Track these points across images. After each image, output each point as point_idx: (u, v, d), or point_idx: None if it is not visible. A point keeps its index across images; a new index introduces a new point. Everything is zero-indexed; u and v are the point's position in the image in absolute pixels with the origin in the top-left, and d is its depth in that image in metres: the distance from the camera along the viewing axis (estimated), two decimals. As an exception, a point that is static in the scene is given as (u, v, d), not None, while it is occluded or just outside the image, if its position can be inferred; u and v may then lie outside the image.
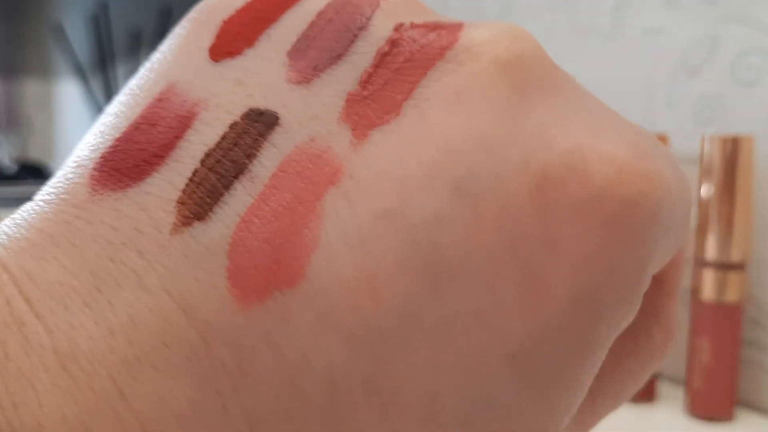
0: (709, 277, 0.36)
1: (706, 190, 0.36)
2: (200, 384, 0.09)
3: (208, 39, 0.12)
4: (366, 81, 0.11)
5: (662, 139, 0.38)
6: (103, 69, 1.11)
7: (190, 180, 0.10)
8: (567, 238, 0.10)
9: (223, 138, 0.10)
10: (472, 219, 0.10)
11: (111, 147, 0.11)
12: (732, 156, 0.35)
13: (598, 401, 0.13)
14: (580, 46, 0.49)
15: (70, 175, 0.11)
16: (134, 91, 0.11)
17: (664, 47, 0.43)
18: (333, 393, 0.09)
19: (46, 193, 0.11)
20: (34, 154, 2.06)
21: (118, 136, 0.11)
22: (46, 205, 0.10)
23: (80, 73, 1.13)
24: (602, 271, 0.10)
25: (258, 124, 0.10)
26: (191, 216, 0.10)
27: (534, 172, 0.10)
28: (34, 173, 0.56)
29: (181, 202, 0.10)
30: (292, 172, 0.10)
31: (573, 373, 0.10)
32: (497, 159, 0.10)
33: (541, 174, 0.10)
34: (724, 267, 0.35)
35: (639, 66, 0.45)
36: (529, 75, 0.11)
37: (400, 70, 0.11)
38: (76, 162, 0.11)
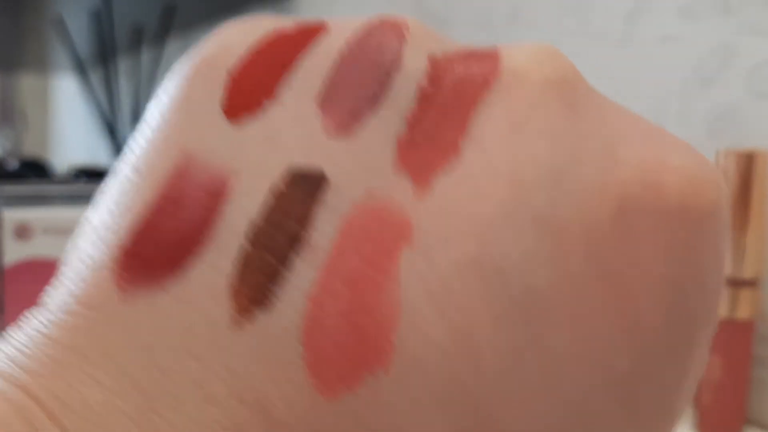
0: (721, 293, 0.35)
1: (719, 205, 0.36)
2: None
3: (216, 95, 0.10)
4: (414, 123, 0.10)
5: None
6: (104, 64, 1.10)
7: (240, 262, 0.09)
8: (652, 257, 0.09)
9: (267, 208, 0.09)
10: (560, 252, 0.09)
11: (133, 237, 0.09)
12: (746, 171, 0.35)
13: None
14: (590, 51, 0.49)
15: (87, 277, 0.09)
16: (139, 167, 0.10)
17: (677, 56, 0.43)
18: None
19: (60, 300, 0.09)
20: (29, 149, 2.05)
21: (138, 222, 0.09)
22: (65, 315, 0.09)
23: (80, 67, 1.12)
24: (690, 286, 0.09)
25: (304, 186, 0.09)
26: (250, 304, 0.08)
27: (613, 195, 0.09)
28: (36, 170, 0.56)
29: (234, 290, 0.09)
30: (355, 234, 0.09)
31: (674, 397, 0.10)
32: (571, 185, 0.09)
33: (621, 196, 0.09)
34: (737, 283, 0.35)
35: (651, 75, 0.45)
36: (578, 93, 0.10)
37: (449, 107, 0.10)
38: (89, 259, 0.09)
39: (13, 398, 0.08)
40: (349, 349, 0.08)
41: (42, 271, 0.39)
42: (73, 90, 1.64)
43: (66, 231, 0.40)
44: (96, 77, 1.19)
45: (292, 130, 0.10)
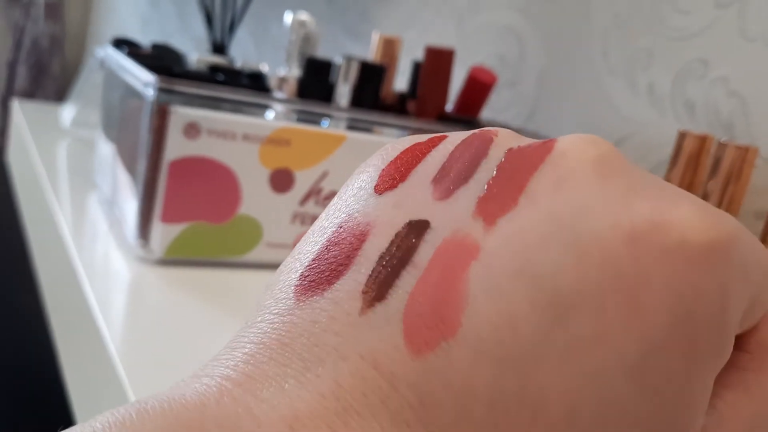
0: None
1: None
2: (393, 419, 0.12)
3: (373, 180, 0.15)
4: (491, 186, 0.14)
5: None
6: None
7: (369, 276, 0.13)
8: (658, 275, 0.13)
9: (391, 243, 0.13)
10: (582, 266, 0.13)
11: (308, 267, 0.14)
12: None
13: None
14: (742, 53, 0.49)
15: (279, 295, 0.14)
16: (323, 225, 0.15)
17: None
18: (493, 409, 0.12)
19: (261, 312, 0.14)
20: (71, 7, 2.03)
21: (312, 257, 0.14)
22: (262, 323, 0.13)
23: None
24: (690, 298, 0.13)
25: (415, 230, 0.14)
26: (373, 300, 0.13)
27: (624, 229, 0.13)
28: (169, 53, 0.58)
29: (364, 292, 0.13)
30: (443, 257, 0.13)
31: (684, 388, 0.13)
32: (594, 223, 0.13)
33: (630, 230, 0.13)
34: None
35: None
36: (609, 166, 0.14)
37: (514, 175, 0.14)
38: (283, 283, 0.14)
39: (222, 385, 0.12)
40: (431, 325, 0.12)
41: (202, 171, 0.42)
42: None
43: (230, 136, 0.43)
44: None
45: (412, 198, 0.14)
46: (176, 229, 0.43)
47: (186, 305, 0.40)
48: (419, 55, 0.65)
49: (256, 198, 0.45)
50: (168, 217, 0.43)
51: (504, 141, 0.15)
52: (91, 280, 0.41)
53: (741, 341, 0.16)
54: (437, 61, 0.56)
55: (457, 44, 0.75)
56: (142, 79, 0.43)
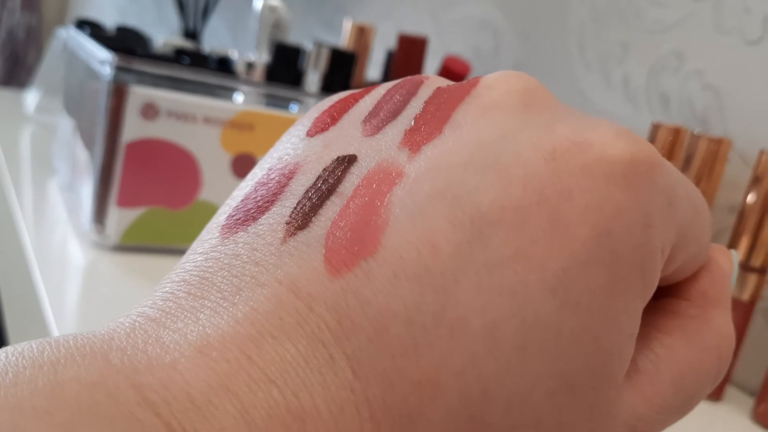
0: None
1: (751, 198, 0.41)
2: (309, 341, 0.11)
3: (306, 128, 0.15)
4: (418, 119, 0.14)
5: None
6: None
7: (294, 209, 0.13)
8: (579, 190, 0.12)
9: (318, 178, 0.14)
10: (502, 184, 0.12)
11: (235, 207, 0.14)
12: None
13: (662, 389, 0.15)
14: (718, 46, 0.48)
15: (206, 236, 0.14)
16: (255, 171, 0.15)
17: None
18: (411, 327, 0.12)
19: (187, 254, 0.14)
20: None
21: (240, 199, 0.14)
22: (186, 264, 0.13)
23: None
24: (610, 214, 0.13)
25: (342, 164, 0.14)
26: (296, 228, 0.13)
27: (545, 148, 0.13)
28: (135, 37, 0.57)
29: (287, 223, 0.13)
30: (367, 184, 0.13)
31: (608, 305, 0.13)
32: (515, 144, 0.13)
33: (551, 149, 0.13)
34: (747, 269, 0.41)
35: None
36: (534, 97, 0.14)
37: (440, 107, 0.14)
38: (211, 225, 0.14)
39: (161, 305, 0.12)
40: (351, 246, 0.12)
41: (161, 154, 0.41)
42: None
43: (190, 118, 0.42)
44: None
45: (341, 138, 0.15)
46: (133, 213, 0.42)
47: (141, 293, 0.38)
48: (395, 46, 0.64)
49: (217, 183, 0.44)
50: (124, 201, 0.41)
51: (434, 82, 0.16)
52: (42, 266, 0.39)
53: (682, 290, 0.16)
54: (410, 49, 0.54)
55: (433, 37, 0.74)
56: (99, 57, 0.41)
